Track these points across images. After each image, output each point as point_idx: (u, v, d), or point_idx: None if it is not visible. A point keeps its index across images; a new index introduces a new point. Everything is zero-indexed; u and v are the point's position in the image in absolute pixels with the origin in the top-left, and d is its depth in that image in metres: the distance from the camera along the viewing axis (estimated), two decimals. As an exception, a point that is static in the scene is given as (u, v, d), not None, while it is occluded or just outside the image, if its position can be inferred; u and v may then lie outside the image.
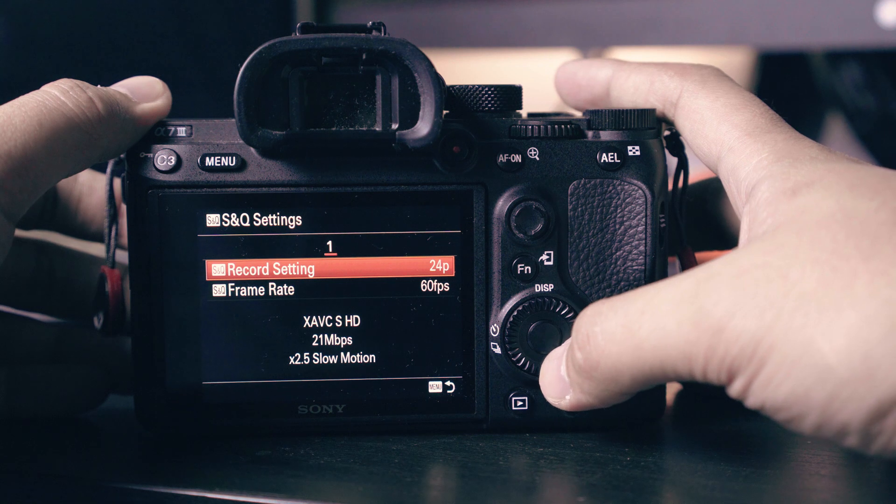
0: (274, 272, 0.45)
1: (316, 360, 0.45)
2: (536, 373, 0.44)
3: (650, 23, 1.00)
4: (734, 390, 0.36)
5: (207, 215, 0.44)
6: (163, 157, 0.44)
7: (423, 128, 0.43)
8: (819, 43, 0.96)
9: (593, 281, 0.45)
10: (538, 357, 0.44)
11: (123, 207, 0.46)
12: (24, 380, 0.48)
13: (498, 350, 0.45)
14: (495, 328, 0.45)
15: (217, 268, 0.44)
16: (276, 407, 0.45)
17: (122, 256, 0.48)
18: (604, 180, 0.45)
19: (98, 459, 0.44)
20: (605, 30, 1.02)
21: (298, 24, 0.43)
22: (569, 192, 0.45)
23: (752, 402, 0.36)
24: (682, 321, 0.36)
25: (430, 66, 0.42)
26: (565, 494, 0.40)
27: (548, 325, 0.45)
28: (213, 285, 0.44)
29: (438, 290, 0.45)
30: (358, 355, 0.45)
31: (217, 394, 0.45)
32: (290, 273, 0.45)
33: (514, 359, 0.45)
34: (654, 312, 0.37)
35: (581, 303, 0.44)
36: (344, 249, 0.45)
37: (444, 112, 0.43)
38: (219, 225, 0.44)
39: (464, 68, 1.16)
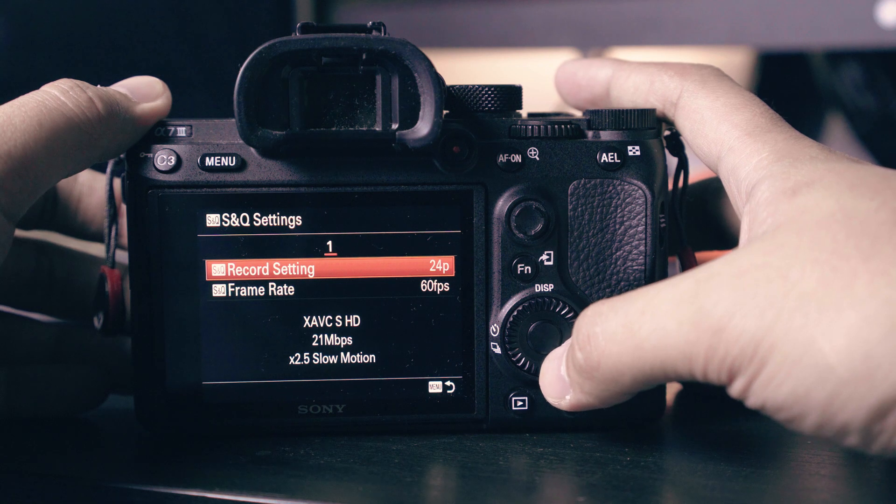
0: (274, 272, 0.45)
1: (316, 360, 0.45)
2: (536, 373, 0.44)
3: (650, 23, 1.00)
4: (735, 390, 0.36)
5: (207, 215, 0.44)
6: (163, 157, 0.44)
7: (423, 128, 0.43)
8: (819, 43, 0.96)
9: (593, 281, 0.45)
10: (538, 357, 0.44)
11: (123, 207, 0.46)
12: (24, 380, 0.48)
13: (498, 350, 0.45)
14: (495, 328, 0.45)
15: (217, 268, 0.44)
16: (276, 407, 0.45)
17: (122, 256, 0.48)
18: (604, 180, 0.45)
19: (98, 459, 0.44)
20: (605, 30, 1.02)
21: (298, 24, 0.43)
22: (569, 192, 0.45)
23: (752, 402, 0.36)
24: (683, 321, 0.36)
25: (430, 66, 0.42)
26: (565, 494, 0.40)
27: (548, 325, 0.45)
28: (213, 285, 0.44)
29: (438, 290, 0.45)
30: (358, 355, 0.45)
31: (217, 394, 0.45)
32: (290, 273, 0.45)
33: (514, 359, 0.45)
34: (654, 312, 0.37)
35: (581, 303, 0.44)
36: (344, 249, 0.45)
37: (444, 112, 0.43)
38: (219, 225, 0.44)
39: (464, 68, 1.16)
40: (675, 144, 0.47)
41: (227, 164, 0.44)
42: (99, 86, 0.44)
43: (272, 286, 0.45)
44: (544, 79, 0.55)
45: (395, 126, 0.43)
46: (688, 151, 0.47)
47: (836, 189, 0.37)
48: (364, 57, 0.43)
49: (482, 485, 0.41)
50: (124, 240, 0.48)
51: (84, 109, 0.42)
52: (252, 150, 0.44)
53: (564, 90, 0.49)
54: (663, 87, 0.45)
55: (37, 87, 0.43)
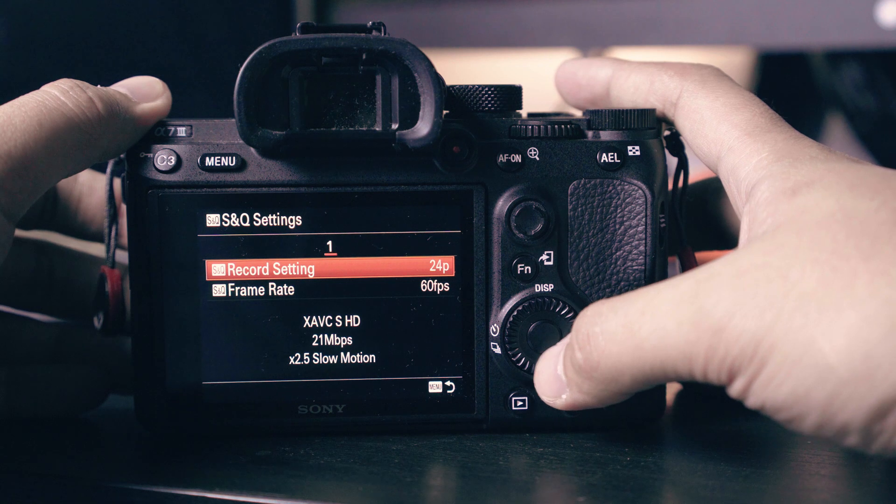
0: (274, 272, 0.45)
1: (316, 360, 0.45)
2: (537, 373, 0.44)
3: (650, 23, 1.00)
4: (735, 390, 0.36)
5: (207, 215, 0.44)
6: (163, 157, 0.44)
7: (423, 128, 0.43)
8: (819, 43, 0.96)
9: (593, 281, 0.45)
10: (538, 357, 0.44)
11: (123, 207, 0.46)
12: (24, 380, 0.48)
13: (498, 350, 0.45)
14: (495, 328, 0.45)
15: (217, 268, 0.44)
16: (276, 407, 0.45)
17: (122, 256, 0.48)
18: (604, 180, 0.45)
19: (98, 459, 0.44)
20: (605, 30, 1.02)
21: (298, 24, 0.43)
22: (569, 192, 0.45)
23: (752, 402, 0.36)
24: (683, 321, 0.36)
25: (430, 66, 0.42)
26: (565, 494, 0.40)
27: (548, 325, 0.45)
28: (213, 285, 0.44)
29: (438, 290, 0.45)
30: (358, 355, 0.45)
31: (217, 394, 0.45)
32: (290, 273, 0.45)
33: (514, 359, 0.45)
34: (654, 313, 0.37)
35: (581, 303, 0.44)
36: (344, 249, 0.45)
37: (444, 112, 0.43)
38: (219, 225, 0.44)
39: (464, 68, 1.16)
40: (675, 144, 0.47)
41: (227, 164, 0.44)
42: (99, 86, 0.44)
43: (272, 286, 0.45)
44: (544, 79, 0.55)
45: (395, 126, 0.43)
46: (688, 151, 0.47)
47: (836, 189, 0.37)
48: (364, 57, 0.43)
49: (482, 485, 0.41)
50: (124, 240, 0.48)
51: (84, 109, 0.42)
52: (252, 150, 0.44)
53: (564, 90, 0.49)
54: (663, 87, 0.45)
55: (37, 87, 0.43)
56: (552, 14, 1.04)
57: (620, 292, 0.45)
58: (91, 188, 0.51)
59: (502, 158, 0.44)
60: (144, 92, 0.45)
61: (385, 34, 0.43)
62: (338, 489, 0.40)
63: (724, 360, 0.35)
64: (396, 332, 0.45)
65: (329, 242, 0.44)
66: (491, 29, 1.07)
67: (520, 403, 0.45)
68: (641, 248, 0.45)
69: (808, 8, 0.93)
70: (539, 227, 0.44)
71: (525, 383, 0.45)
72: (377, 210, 0.44)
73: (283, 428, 0.46)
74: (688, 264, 0.47)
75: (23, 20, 0.89)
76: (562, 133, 0.45)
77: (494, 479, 0.41)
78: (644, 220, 0.45)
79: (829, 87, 1.08)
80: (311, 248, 0.44)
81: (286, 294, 0.45)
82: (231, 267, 0.44)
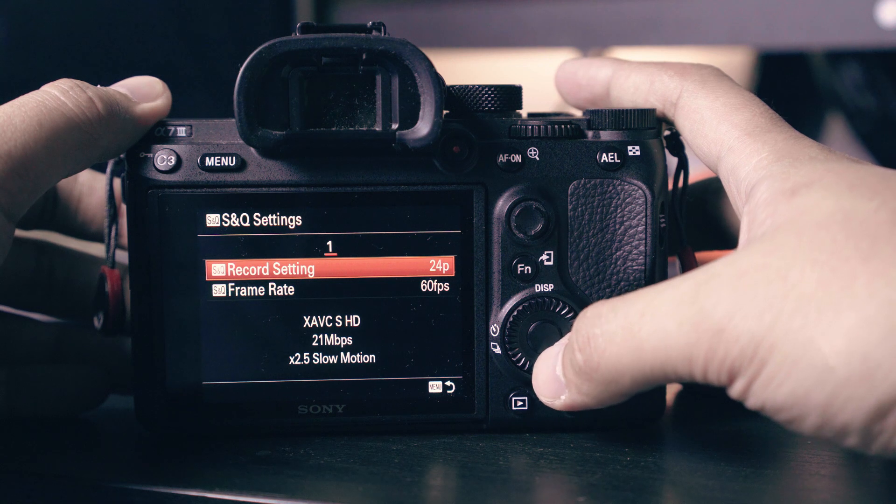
0: (274, 272, 0.45)
1: (316, 360, 0.45)
2: (537, 373, 0.44)
3: (650, 23, 1.00)
4: (734, 391, 0.36)
5: (207, 215, 0.44)
6: (163, 157, 0.44)
7: (423, 128, 0.43)
8: (819, 43, 0.96)
9: (593, 281, 0.45)
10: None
11: (123, 207, 0.46)
12: (24, 380, 0.48)
13: (498, 350, 0.45)
14: (495, 328, 0.45)
15: (217, 268, 0.44)
16: (276, 407, 0.45)
17: (122, 256, 0.48)
18: (604, 180, 0.45)
19: (98, 459, 0.44)
20: (605, 30, 1.02)
21: (298, 24, 0.43)
22: (569, 192, 0.45)
23: (752, 402, 0.36)
24: (683, 323, 0.36)
25: (430, 66, 0.42)
26: (565, 494, 0.40)
27: (548, 325, 0.45)
28: (213, 285, 0.44)
29: (438, 290, 0.45)
30: (358, 355, 0.45)
31: (217, 394, 0.45)
32: (290, 273, 0.45)
33: (514, 359, 0.45)
34: (654, 314, 0.37)
35: (581, 303, 0.44)
36: (344, 249, 0.45)
37: (444, 112, 0.43)
38: (219, 225, 0.44)
39: (464, 68, 1.16)
40: (675, 144, 0.47)
41: (227, 164, 0.44)
42: (99, 86, 0.44)
43: (272, 286, 0.45)
44: (544, 79, 0.55)
45: (395, 126, 0.43)
46: (688, 151, 0.47)
47: (836, 189, 0.37)
48: (364, 57, 0.43)
49: (482, 485, 0.41)
50: (124, 240, 0.48)
51: (84, 109, 0.42)
52: (252, 150, 0.44)
53: (564, 90, 0.49)
54: (663, 87, 0.45)
55: (37, 87, 0.43)
56: (552, 14, 1.04)
57: (620, 292, 0.45)
58: (91, 188, 0.51)
59: (502, 158, 0.44)
60: (144, 92, 0.45)
61: (385, 34, 0.43)
62: (338, 489, 0.40)
63: (723, 361, 0.35)
64: (396, 332, 0.45)
65: (329, 242, 0.44)
66: (491, 29, 1.07)
67: (520, 403, 0.45)
68: (641, 248, 0.45)
69: (808, 8, 0.93)
70: (539, 227, 0.44)
71: (525, 383, 0.45)
72: (377, 210, 0.44)
73: (283, 428, 0.46)
74: (688, 264, 0.47)
75: (23, 20, 0.89)
76: (562, 133, 0.45)
77: (494, 479, 0.41)
78: (644, 220, 0.45)
79: (829, 87, 1.08)
80: (311, 248, 0.44)
81: (286, 294, 0.45)
82: (231, 267, 0.44)
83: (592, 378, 0.39)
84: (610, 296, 0.45)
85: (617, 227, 0.45)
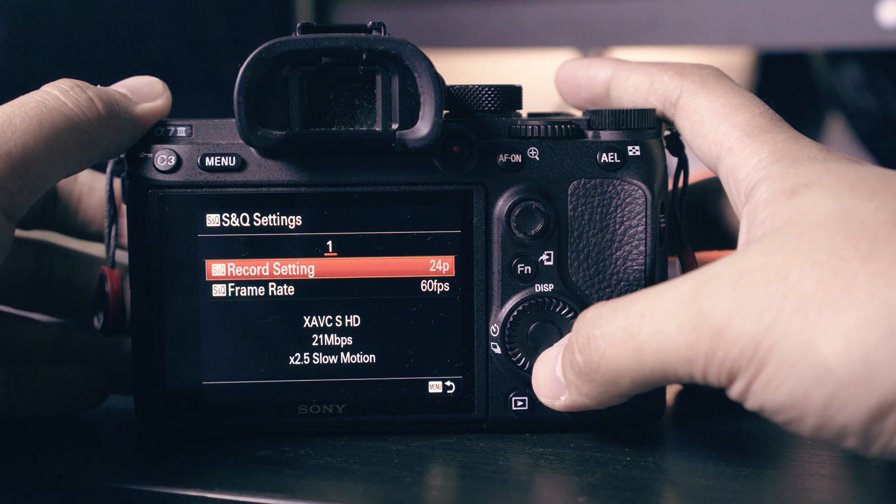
0: (274, 272, 0.45)
1: (316, 360, 0.45)
2: (537, 373, 0.44)
3: (650, 23, 1.00)
4: (734, 392, 0.36)
5: (207, 215, 0.44)
6: (163, 157, 0.44)
7: (423, 128, 0.43)
8: (819, 43, 0.96)
9: (593, 281, 0.45)
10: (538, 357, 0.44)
11: (123, 207, 0.46)
12: (24, 380, 0.48)
13: (498, 350, 0.45)
14: (495, 328, 0.45)
15: (217, 268, 0.44)
16: (276, 407, 0.45)
17: (122, 256, 0.48)
18: (604, 180, 0.45)
19: (98, 459, 0.44)
20: (605, 30, 1.02)
21: (298, 24, 0.43)
22: (569, 192, 0.45)
23: (751, 403, 0.36)
24: (682, 324, 0.36)
25: (430, 66, 0.42)
26: (565, 494, 0.40)
27: (548, 325, 0.45)
28: (213, 285, 0.44)
29: (438, 290, 0.45)
30: (358, 355, 0.45)
31: (217, 394, 0.45)
32: (290, 273, 0.45)
33: (514, 359, 0.45)
34: (654, 315, 0.37)
35: (581, 303, 0.44)
36: (344, 249, 0.45)
37: (444, 112, 0.43)
38: (219, 225, 0.44)
39: (464, 68, 1.16)
40: (675, 144, 0.47)
41: (227, 164, 0.44)
42: (99, 86, 0.44)
43: (272, 286, 0.45)
44: (544, 79, 0.55)
45: (395, 126, 0.43)
46: (688, 151, 0.47)
47: (835, 190, 0.37)
48: (364, 57, 0.43)
49: (482, 485, 0.41)
50: (124, 240, 0.48)
51: (84, 109, 0.42)
52: (252, 150, 0.44)
53: (564, 90, 0.49)
54: (663, 87, 0.45)
55: (37, 87, 0.43)
56: (552, 14, 1.04)
57: (620, 292, 0.45)
58: (91, 188, 0.51)
59: (502, 158, 0.44)
60: (144, 92, 0.45)
61: (385, 34, 0.43)
62: (338, 489, 0.40)
63: (723, 362, 0.35)
64: (396, 332, 0.45)
65: (329, 242, 0.44)
66: (491, 29, 1.07)
67: (520, 403, 0.45)
68: (641, 248, 0.45)
69: (808, 8, 0.93)
70: (539, 227, 0.44)
71: (525, 383, 0.45)
72: (377, 210, 0.44)
73: (283, 428, 0.46)
74: (688, 264, 0.47)
75: (23, 20, 0.89)
76: (562, 133, 0.45)
77: (494, 479, 0.41)
78: (644, 220, 0.45)
79: (829, 87, 1.08)
80: (311, 248, 0.44)
81: (286, 294, 0.45)
82: (231, 267, 0.44)
83: (592, 379, 0.39)
84: (610, 296, 0.45)
85: (617, 227, 0.45)
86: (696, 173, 0.48)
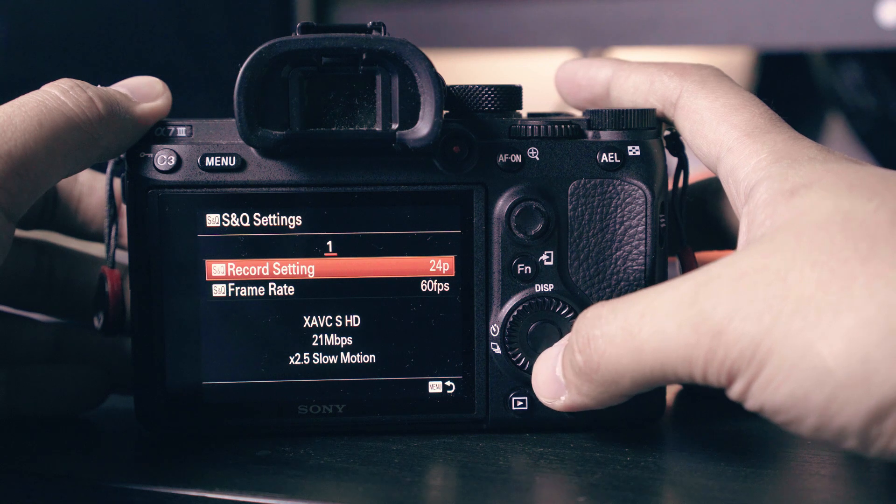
0: (274, 272, 0.45)
1: (316, 360, 0.45)
2: (537, 373, 0.44)
3: (650, 23, 1.00)
4: (734, 393, 0.36)
5: (207, 215, 0.44)
6: (163, 157, 0.44)
7: (423, 128, 0.43)
8: (819, 43, 0.96)
9: (593, 281, 0.45)
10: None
11: (123, 207, 0.46)
12: (24, 380, 0.48)
13: (498, 350, 0.45)
14: (495, 328, 0.45)
15: (217, 268, 0.44)
16: (276, 407, 0.45)
17: (122, 256, 0.48)
18: (604, 180, 0.45)
19: (98, 459, 0.44)
20: (605, 30, 1.02)
21: (298, 24, 0.43)
22: (569, 192, 0.45)
23: (751, 404, 0.36)
24: (682, 324, 0.36)
25: (430, 66, 0.42)
26: (565, 494, 0.40)
27: (548, 325, 0.45)
28: (213, 285, 0.44)
29: (438, 290, 0.45)
30: (358, 355, 0.45)
31: (217, 394, 0.45)
32: (290, 273, 0.45)
33: (514, 359, 0.45)
34: (654, 315, 0.37)
35: (581, 303, 0.44)
36: (344, 249, 0.45)
37: (444, 112, 0.43)
38: (219, 225, 0.44)
39: (464, 68, 1.16)
40: (675, 144, 0.47)
41: (227, 164, 0.44)
42: (99, 86, 0.44)
43: (272, 286, 0.45)
44: (544, 79, 0.55)
45: (395, 126, 0.43)
46: (688, 151, 0.47)
47: (835, 190, 0.37)
48: (364, 57, 0.43)
49: (482, 485, 0.41)
50: (124, 240, 0.48)
51: (84, 109, 0.42)
52: (252, 150, 0.44)
53: (564, 90, 0.49)
54: (663, 88, 0.45)
55: (37, 87, 0.43)
56: (552, 14, 1.04)
57: (620, 292, 0.45)
58: (91, 188, 0.51)
59: (502, 158, 0.44)
60: (144, 92, 0.45)
61: (385, 34, 0.43)
62: (338, 489, 0.40)
63: (723, 363, 0.35)
64: (396, 332, 0.45)
65: (329, 242, 0.44)
66: (491, 29, 1.07)
67: (520, 403, 0.45)
68: (641, 248, 0.45)
69: (808, 8, 0.93)
70: (539, 227, 0.44)
71: (525, 383, 0.45)
72: (377, 210, 0.44)
73: (283, 428, 0.46)
74: (688, 265, 0.47)
75: (23, 20, 0.89)
76: (562, 133, 0.45)
77: (494, 479, 0.41)
78: (644, 220, 0.45)
79: (829, 87, 1.08)
80: (311, 248, 0.44)
81: (286, 294, 0.45)
82: (231, 267, 0.44)
83: (592, 379, 0.39)
84: (610, 296, 0.45)
85: (617, 227, 0.45)
86: (696, 173, 0.48)
